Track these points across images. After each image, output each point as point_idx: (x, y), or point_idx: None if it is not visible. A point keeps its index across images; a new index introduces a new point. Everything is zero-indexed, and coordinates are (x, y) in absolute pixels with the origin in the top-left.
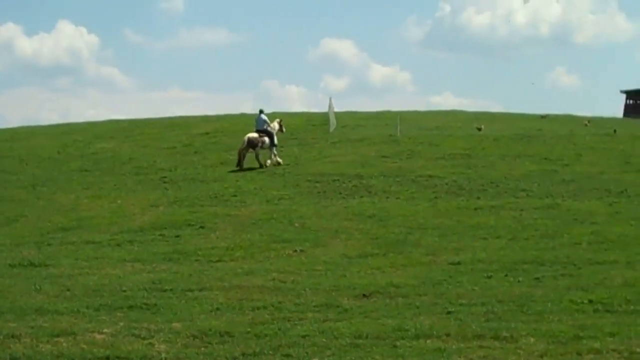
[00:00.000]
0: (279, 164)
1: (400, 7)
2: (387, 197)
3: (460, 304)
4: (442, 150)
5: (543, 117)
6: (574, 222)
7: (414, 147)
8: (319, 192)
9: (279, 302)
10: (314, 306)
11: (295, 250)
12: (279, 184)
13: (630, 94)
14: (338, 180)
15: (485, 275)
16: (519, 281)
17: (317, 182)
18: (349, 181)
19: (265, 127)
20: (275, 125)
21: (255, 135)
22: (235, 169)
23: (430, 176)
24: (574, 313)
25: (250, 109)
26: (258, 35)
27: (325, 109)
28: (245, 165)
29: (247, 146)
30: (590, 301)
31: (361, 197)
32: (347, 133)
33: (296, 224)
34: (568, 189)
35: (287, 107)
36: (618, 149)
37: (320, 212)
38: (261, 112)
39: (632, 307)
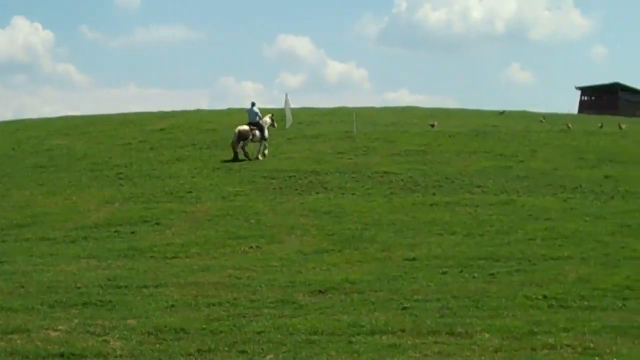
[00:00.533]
0: (264, 155)
1: (357, 4)
2: (343, 194)
3: (416, 300)
4: (397, 147)
5: (501, 113)
6: (528, 218)
7: (369, 144)
8: (274, 189)
9: (235, 299)
10: (270, 302)
11: (251, 247)
12: (235, 180)
13: (585, 91)
14: (294, 176)
15: (441, 271)
16: (473, 277)
17: (272, 178)
18: (305, 177)
19: (257, 119)
20: (267, 119)
21: (246, 127)
22: (229, 159)
23: (386, 172)
24: (528, 309)
25: (206, 105)
26: (214, 32)
27: (281, 105)
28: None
29: (238, 139)
30: (545, 297)
31: (317, 193)
32: (303, 129)
33: (252, 220)
34: (523, 185)
35: (243, 103)
36: (572, 145)
37: (276, 209)
38: (253, 105)
39: (585, 302)
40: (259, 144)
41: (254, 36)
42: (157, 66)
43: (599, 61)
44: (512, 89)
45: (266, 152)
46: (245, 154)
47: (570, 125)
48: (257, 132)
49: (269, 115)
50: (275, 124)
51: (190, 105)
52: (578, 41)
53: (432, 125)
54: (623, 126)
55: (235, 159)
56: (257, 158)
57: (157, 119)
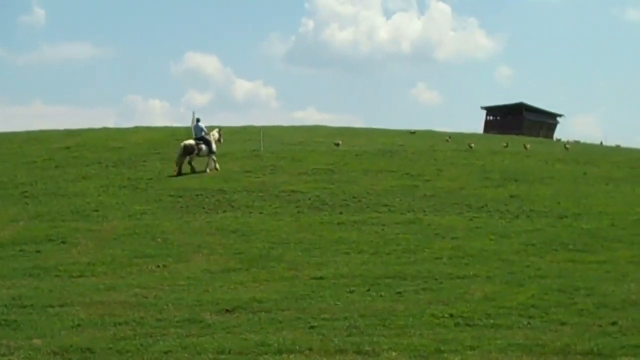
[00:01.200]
0: (216, 169)
1: (264, 23)
2: (250, 212)
3: (323, 319)
4: (305, 166)
5: (412, 132)
6: (435, 237)
7: (277, 162)
8: (181, 207)
9: (141, 318)
10: (177, 321)
11: (158, 266)
12: (142, 199)
13: (491, 111)
14: (201, 195)
15: (348, 289)
16: (381, 296)
17: (179, 196)
18: (212, 196)
19: (202, 134)
20: (214, 134)
21: (191, 142)
22: (173, 174)
23: (293, 191)
24: (435, 327)
25: (112, 123)
26: (121, 50)
27: (188, 124)
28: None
29: (183, 153)
30: (451, 315)
31: (224, 212)
32: None
33: (159, 239)
34: (429, 204)
35: (150, 121)
36: (478, 165)
37: (183, 227)
38: (198, 120)
39: (491, 320)
40: (206, 158)
41: (161, 54)
42: (63, 84)
43: (503, 82)
44: (418, 109)
45: (217, 166)
46: (192, 168)
47: (472, 145)
48: (204, 147)
49: (217, 129)
50: (222, 139)
51: (97, 123)
52: (483, 61)
53: (337, 144)
54: (528, 146)
55: (179, 174)
56: (205, 171)
57: (63, 137)
